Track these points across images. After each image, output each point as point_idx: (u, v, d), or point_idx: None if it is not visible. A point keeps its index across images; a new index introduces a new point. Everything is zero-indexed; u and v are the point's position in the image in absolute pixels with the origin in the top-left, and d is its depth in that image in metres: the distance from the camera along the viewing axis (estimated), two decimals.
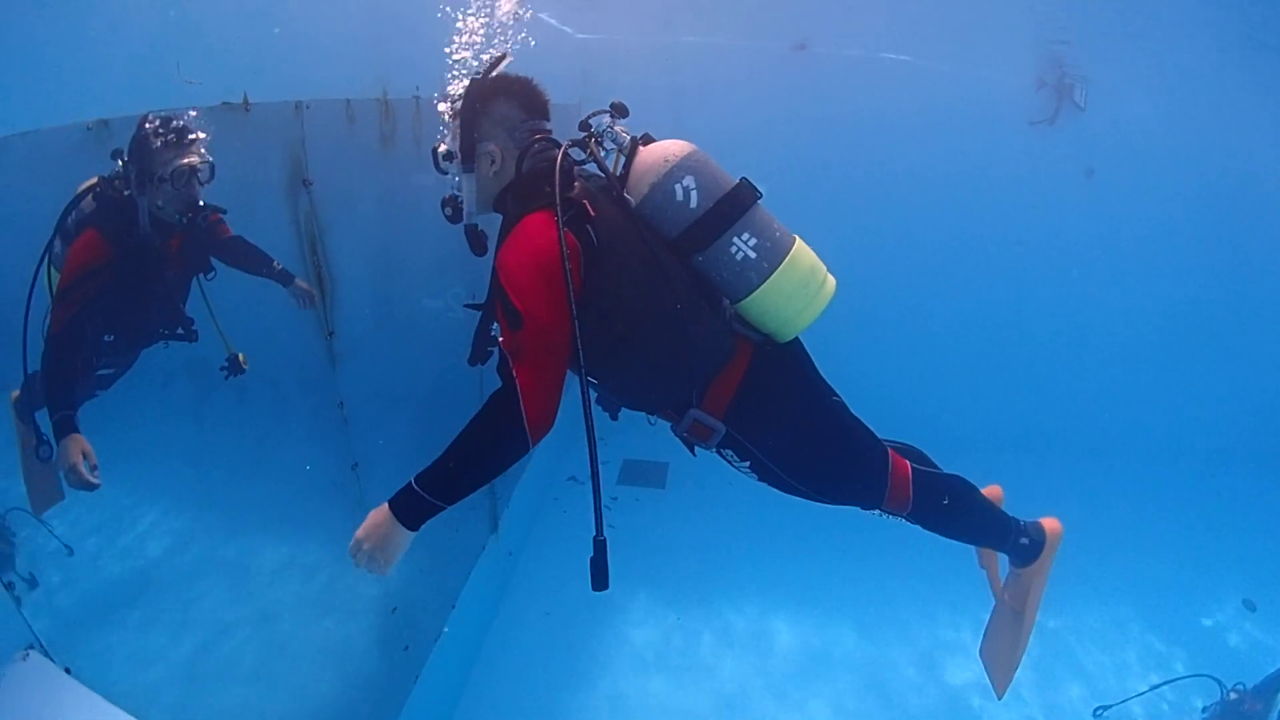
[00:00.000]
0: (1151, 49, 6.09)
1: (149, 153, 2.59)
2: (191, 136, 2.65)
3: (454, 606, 4.19)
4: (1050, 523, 2.68)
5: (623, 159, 2.12)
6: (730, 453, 2.27)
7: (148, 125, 2.58)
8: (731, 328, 2.18)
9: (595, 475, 1.78)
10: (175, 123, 2.64)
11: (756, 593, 5.04)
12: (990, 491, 2.72)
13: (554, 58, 6.22)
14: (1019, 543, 2.61)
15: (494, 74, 2.08)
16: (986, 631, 2.97)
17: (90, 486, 2.45)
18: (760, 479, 2.31)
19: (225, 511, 4.09)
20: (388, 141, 3.53)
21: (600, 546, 1.79)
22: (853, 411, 2.38)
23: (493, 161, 2.07)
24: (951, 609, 4.89)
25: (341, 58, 3.25)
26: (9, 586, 2.71)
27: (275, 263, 3.28)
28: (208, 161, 2.71)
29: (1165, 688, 4.27)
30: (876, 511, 2.41)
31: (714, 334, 2.13)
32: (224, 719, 3.01)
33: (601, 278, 1.92)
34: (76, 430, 2.48)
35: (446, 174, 2.13)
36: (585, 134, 2.13)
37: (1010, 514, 2.61)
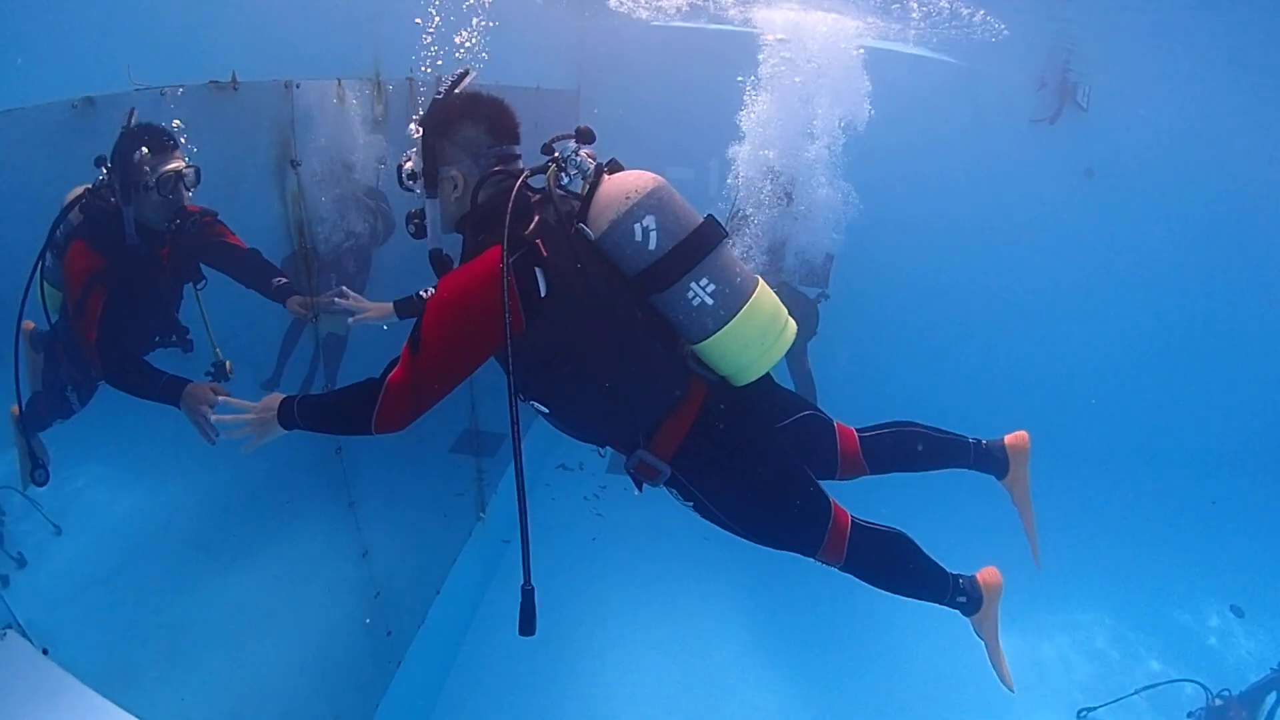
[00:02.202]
0: (1154, 53, 6.04)
1: (132, 161, 2.52)
2: (173, 141, 2.59)
3: (439, 592, 4.20)
4: (988, 576, 2.66)
5: (587, 186, 2.05)
6: (675, 491, 2.26)
7: (129, 131, 2.50)
8: (686, 365, 2.16)
9: (524, 528, 1.81)
10: (156, 128, 2.57)
11: (748, 581, 5.03)
12: (1016, 438, 2.74)
13: (554, 41, 6.19)
14: (957, 600, 2.60)
15: (458, 91, 2.01)
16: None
17: (209, 433, 2.53)
18: (702, 517, 2.30)
19: (206, 492, 4.08)
20: (380, 123, 3.49)
21: (528, 595, 1.81)
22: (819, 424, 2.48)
23: (455, 186, 2.01)
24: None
25: (334, 36, 3.20)
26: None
27: (277, 278, 3.09)
28: (193, 166, 2.65)
29: (1150, 691, 4.25)
30: (813, 560, 2.40)
31: (666, 377, 2.11)
32: (202, 700, 3.00)
33: (546, 322, 1.89)
34: (185, 382, 2.55)
35: (411, 192, 2.08)
36: (549, 158, 2.07)
37: (951, 571, 2.60)
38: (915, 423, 2.72)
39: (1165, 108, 6.42)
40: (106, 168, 2.55)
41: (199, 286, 2.98)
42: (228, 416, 2.16)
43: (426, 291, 2.61)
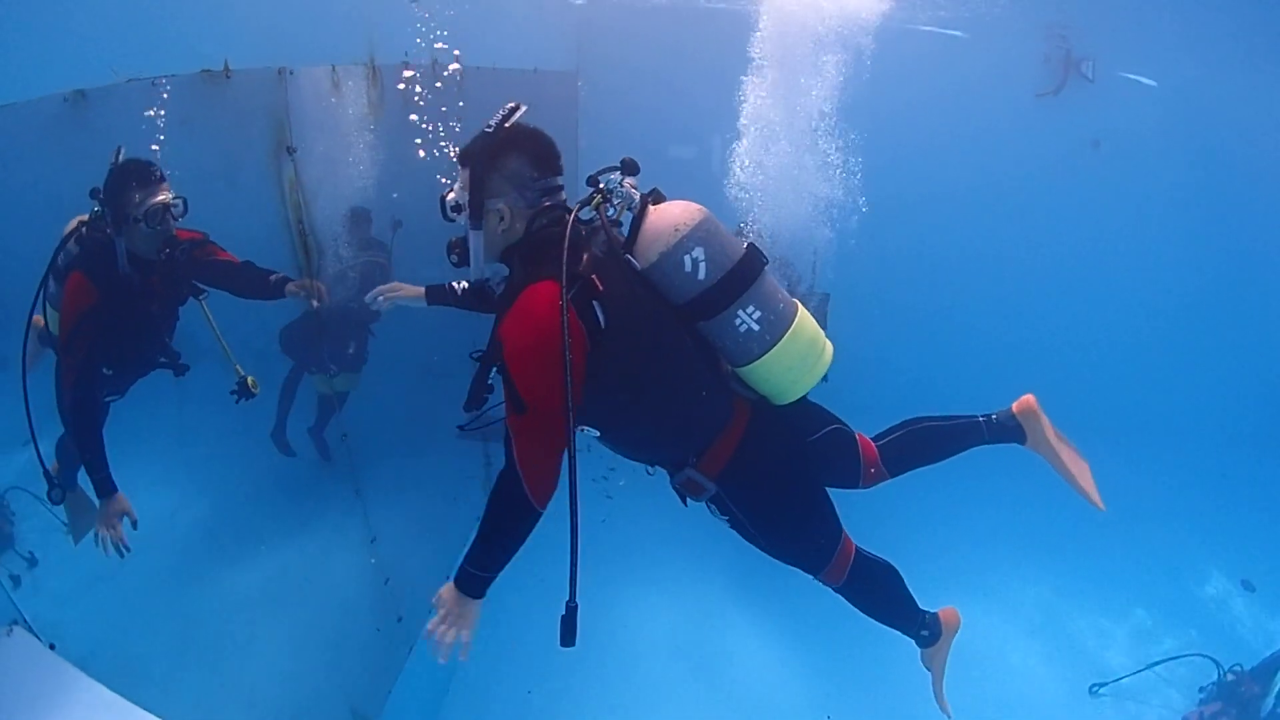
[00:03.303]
0: (1160, 22, 5.93)
1: (121, 194, 2.61)
2: (159, 174, 2.67)
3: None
4: (948, 615, 2.84)
5: (630, 216, 2.12)
6: (714, 507, 2.37)
7: (116, 166, 2.61)
8: (729, 386, 2.24)
9: (574, 548, 1.85)
10: (142, 163, 2.66)
11: (760, 563, 5.02)
12: (1022, 403, 2.88)
13: (550, 24, 6.11)
14: (920, 633, 2.79)
15: (508, 125, 2.00)
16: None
17: (122, 550, 2.64)
18: (733, 528, 2.41)
19: (212, 484, 4.09)
20: (376, 109, 3.46)
21: (571, 611, 1.89)
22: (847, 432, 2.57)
23: (501, 219, 2.02)
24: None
25: (326, 23, 3.16)
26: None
27: (272, 275, 3.14)
28: (180, 199, 2.72)
29: (1162, 667, 4.24)
30: (812, 578, 2.56)
31: (713, 400, 2.19)
32: (214, 691, 3.02)
33: (606, 354, 1.93)
34: (116, 490, 2.66)
35: (453, 222, 2.09)
36: (594, 190, 2.11)
37: (920, 607, 2.78)
38: (922, 417, 2.82)
39: (1172, 77, 6.29)
40: (100, 200, 2.65)
41: (201, 297, 3.07)
42: (436, 632, 2.16)
43: (459, 284, 2.76)
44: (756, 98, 5.48)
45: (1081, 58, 6.34)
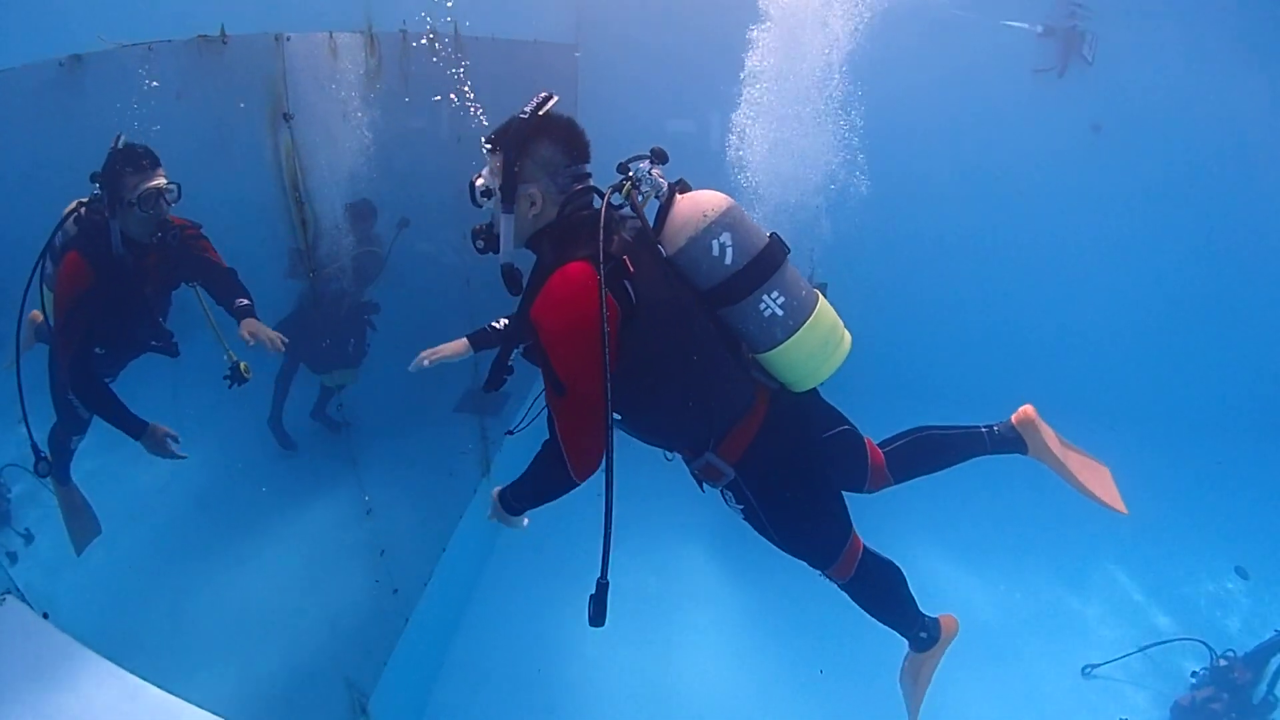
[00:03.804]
0: (1164, 9, 5.85)
1: (117, 178, 2.70)
2: (154, 159, 2.77)
3: (444, 549, 4.20)
4: (948, 621, 2.92)
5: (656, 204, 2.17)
6: (730, 494, 2.41)
7: (114, 151, 2.68)
8: (750, 374, 2.28)
9: (608, 525, 1.88)
10: (139, 148, 2.75)
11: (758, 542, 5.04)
12: (1021, 414, 2.93)
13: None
14: (919, 635, 2.86)
15: (542, 113, 2.03)
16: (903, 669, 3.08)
17: (178, 457, 2.87)
18: (746, 519, 2.46)
19: (205, 454, 4.09)
20: (373, 76, 3.41)
21: (602, 589, 1.92)
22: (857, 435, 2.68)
23: (533, 204, 2.06)
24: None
25: None
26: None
27: (241, 300, 3.23)
28: (174, 184, 2.81)
29: (1155, 650, 4.26)
30: (819, 574, 2.63)
31: (736, 384, 2.24)
32: (207, 661, 3.03)
33: (636, 333, 1.98)
34: (147, 423, 2.84)
35: (481, 208, 2.13)
36: (624, 177, 2.17)
37: (921, 610, 2.84)
38: (928, 426, 2.90)
39: (1174, 60, 6.20)
40: (99, 183, 2.74)
41: (195, 283, 3.20)
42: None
43: (499, 322, 2.88)
44: (756, 73, 5.43)
45: (1083, 33, 6.24)
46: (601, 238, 1.90)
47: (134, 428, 2.82)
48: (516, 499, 2.33)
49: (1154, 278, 6.76)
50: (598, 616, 1.92)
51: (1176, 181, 6.44)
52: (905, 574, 2.77)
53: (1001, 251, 6.86)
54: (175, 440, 2.86)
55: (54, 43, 2.38)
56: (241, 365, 3.23)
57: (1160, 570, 5.06)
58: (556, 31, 6.17)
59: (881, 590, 2.74)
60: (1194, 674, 4.05)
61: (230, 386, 3.24)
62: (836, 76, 5.38)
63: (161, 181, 2.78)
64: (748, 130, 5.36)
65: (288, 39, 2.92)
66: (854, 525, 2.58)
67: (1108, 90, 6.35)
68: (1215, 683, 3.89)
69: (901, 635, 2.88)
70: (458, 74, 3.75)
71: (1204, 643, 4.07)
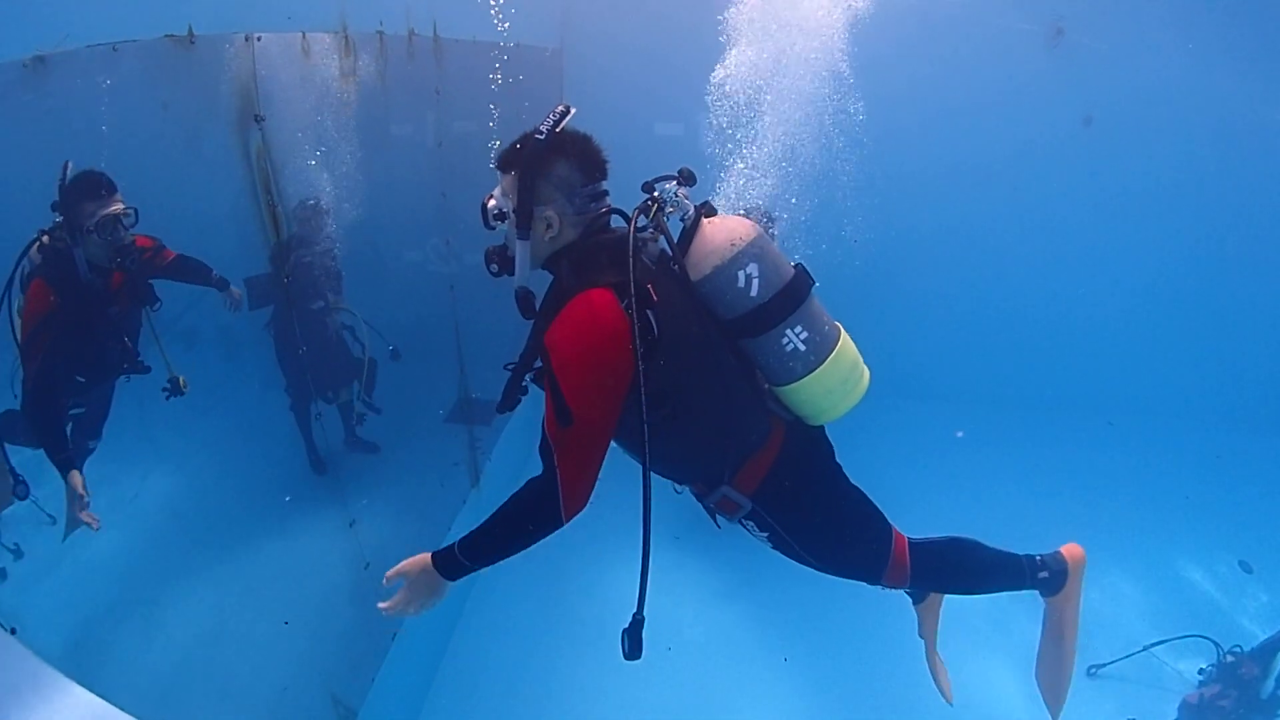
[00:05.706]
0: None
1: (74, 206, 2.72)
2: (110, 186, 2.78)
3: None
4: (1071, 550, 2.69)
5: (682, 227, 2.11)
6: (752, 524, 2.32)
7: (65, 181, 2.67)
8: (766, 404, 2.21)
9: (645, 558, 1.81)
10: (93, 175, 2.76)
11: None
12: (1068, 549, 2.71)
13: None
14: (1039, 578, 2.63)
15: (558, 130, 1.93)
16: (1038, 656, 2.89)
17: (89, 523, 2.73)
18: (775, 547, 2.36)
19: (178, 464, 4.02)
20: (348, 78, 3.35)
21: (637, 624, 1.84)
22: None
23: (549, 226, 1.95)
24: None
25: None
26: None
27: (213, 273, 3.64)
28: (131, 209, 2.84)
29: (1161, 647, 4.20)
30: (879, 587, 2.48)
31: (753, 416, 2.16)
32: (183, 680, 2.94)
33: (656, 365, 1.89)
34: (75, 468, 2.77)
35: (493, 230, 2.03)
36: (649, 198, 2.10)
37: (1024, 554, 2.63)
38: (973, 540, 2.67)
39: (1166, 52, 6.19)
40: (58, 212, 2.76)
41: (154, 309, 3.23)
42: (386, 604, 2.09)
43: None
44: (742, 75, 5.39)
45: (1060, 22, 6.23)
46: (632, 266, 1.81)
47: (62, 467, 2.76)
48: (478, 551, 2.00)
49: (1152, 270, 6.73)
50: (633, 651, 1.84)
51: (1171, 173, 6.42)
52: (972, 536, 2.58)
53: (996, 246, 6.82)
54: (85, 506, 2.75)
55: (18, 43, 2.33)
56: (180, 379, 3.31)
57: (1164, 566, 5.01)
58: (541, 35, 6.14)
59: (959, 572, 2.59)
60: (1201, 671, 3.99)
61: (168, 399, 3.31)
62: (826, 74, 5.35)
63: (119, 207, 2.79)
64: (733, 130, 5.32)
65: (258, 39, 2.86)
66: (893, 524, 2.45)
67: (1098, 83, 6.32)
68: (1222, 679, 3.83)
69: (1028, 590, 2.65)
70: (437, 76, 3.70)
71: (1210, 639, 4.02)
